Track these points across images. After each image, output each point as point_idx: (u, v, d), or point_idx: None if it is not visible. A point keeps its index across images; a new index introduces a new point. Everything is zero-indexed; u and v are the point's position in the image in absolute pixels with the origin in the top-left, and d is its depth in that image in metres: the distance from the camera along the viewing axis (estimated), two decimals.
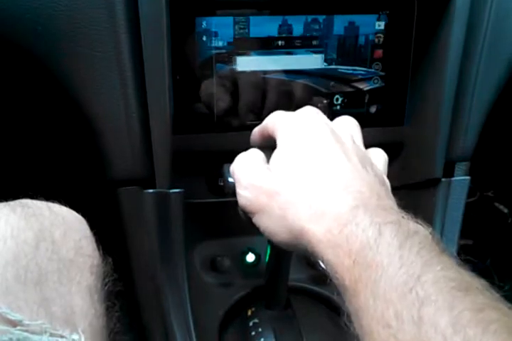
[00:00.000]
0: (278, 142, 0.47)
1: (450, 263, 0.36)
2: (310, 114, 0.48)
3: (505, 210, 1.13)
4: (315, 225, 0.41)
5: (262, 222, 0.46)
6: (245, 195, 0.47)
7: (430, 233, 0.39)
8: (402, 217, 0.40)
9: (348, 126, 0.50)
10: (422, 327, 0.32)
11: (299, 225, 0.42)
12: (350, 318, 0.38)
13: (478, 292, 0.34)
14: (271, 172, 0.46)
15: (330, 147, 0.45)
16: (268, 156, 0.49)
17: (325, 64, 0.68)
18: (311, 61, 0.68)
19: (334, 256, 0.39)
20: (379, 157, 0.50)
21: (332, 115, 0.68)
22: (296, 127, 0.47)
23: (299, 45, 0.67)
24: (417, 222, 0.40)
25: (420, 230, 0.39)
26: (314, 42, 0.67)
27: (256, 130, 0.53)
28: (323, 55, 0.68)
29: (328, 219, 0.40)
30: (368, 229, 0.38)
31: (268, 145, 0.51)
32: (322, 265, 0.41)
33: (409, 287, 0.34)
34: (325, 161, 0.44)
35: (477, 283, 0.35)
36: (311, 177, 0.43)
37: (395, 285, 0.34)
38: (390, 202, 0.43)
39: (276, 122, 0.49)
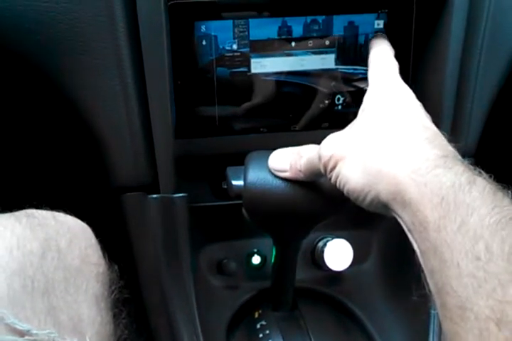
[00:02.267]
0: (364, 103, 0.49)
1: None
2: (399, 84, 0.50)
3: None
4: (398, 166, 0.41)
5: (340, 170, 0.45)
6: (325, 152, 0.47)
7: None
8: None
9: None
10: None
11: (378, 166, 0.42)
12: (426, 255, 0.38)
13: None
14: (352, 129, 0.47)
15: (417, 111, 0.47)
16: None
17: (333, 64, 0.68)
18: (323, 61, 0.68)
19: (420, 194, 0.39)
20: None
21: (334, 115, 0.68)
22: (384, 95, 0.49)
23: (299, 46, 0.67)
24: None
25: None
26: (315, 43, 0.67)
27: None
28: (335, 55, 0.68)
29: (416, 161, 0.40)
30: (461, 175, 0.38)
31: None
32: (395, 211, 0.41)
33: (501, 226, 0.34)
34: (412, 121, 0.45)
35: None
36: (397, 128, 0.44)
37: (486, 223, 0.35)
38: None
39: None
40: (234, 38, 0.65)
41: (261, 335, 0.67)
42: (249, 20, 0.64)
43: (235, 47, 0.65)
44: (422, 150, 0.41)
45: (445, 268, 0.36)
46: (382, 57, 0.55)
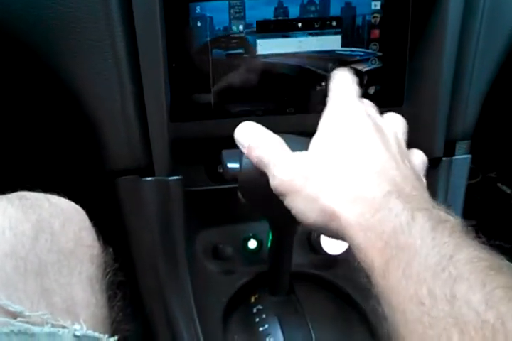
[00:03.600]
0: (319, 126, 0.48)
1: (481, 246, 0.37)
2: (355, 105, 0.49)
3: (508, 191, 1.13)
4: (347, 209, 0.41)
5: (295, 203, 0.45)
6: (280, 176, 0.46)
7: (460, 223, 0.40)
8: (433, 206, 0.41)
9: (394, 122, 0.51)
10: (455, 304, 0.32)
11: (331, 208, 0.42)
12: (379, 300, 0.39)
13: (510, 272, 0.34)
14: (308, 156, 0.46)
15: (370, 136, 0.46)
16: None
17: (330, 45, 0.67)
18: (320, 43, 0.67)
19: (365, 240, 0.40)
20: (418, 158, 0.50)
21: None
22: (339, 115, 0.48)
23: (296, 27, 0.66)
24: (448, 212, 0.41)
25: (451, 218, 0.40)
26: (311, 24, 0.66)
27: None
28: (332, 37, 0.67)
29: (361, 204, 0.41)
30: (400, 214, 0.39)
31: None
32: (353, 250, 0.41)
33: (442, 266, 0.34)
34: (363, 149, 0.45)
35: (508, 264, 0.35)
36: (348, 162, 0.44)
37: (427, 265, 0.35)
38: (424, 193, 0.44)
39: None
40: (229, 20, 0.64)
41: (257, 319, 0.67)
42: (245, 1, 0.64)
43: (230, 28, 0.64)
44: (370, 188, 0.42)
45: (395, 313, 0.36)
46: (343, 82, 0.53)
